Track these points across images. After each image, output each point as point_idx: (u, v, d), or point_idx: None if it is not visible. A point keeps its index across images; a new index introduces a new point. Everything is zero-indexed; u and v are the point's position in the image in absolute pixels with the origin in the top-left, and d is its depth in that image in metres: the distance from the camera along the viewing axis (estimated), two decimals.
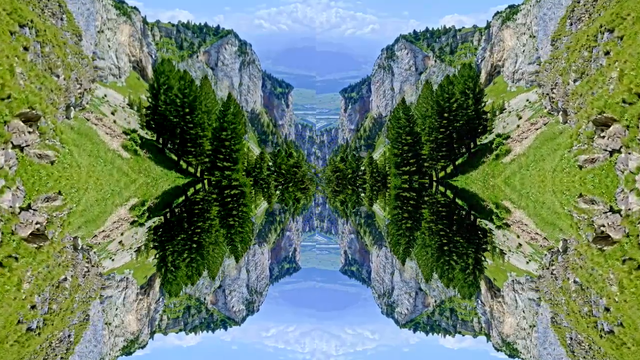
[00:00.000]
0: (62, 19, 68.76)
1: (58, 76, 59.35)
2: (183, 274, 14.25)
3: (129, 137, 77.18)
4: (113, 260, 15.36)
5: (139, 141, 77.95)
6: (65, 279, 12.48)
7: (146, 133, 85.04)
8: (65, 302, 10.58)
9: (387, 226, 28.62)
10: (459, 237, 21.14)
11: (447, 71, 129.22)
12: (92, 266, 14.30)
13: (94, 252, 16.03)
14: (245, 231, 24.66)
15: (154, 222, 24.88)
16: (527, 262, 15.68)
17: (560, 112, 66.66)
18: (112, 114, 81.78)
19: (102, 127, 73.27)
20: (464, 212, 34.18)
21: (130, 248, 17.68)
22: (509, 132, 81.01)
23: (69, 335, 9.06)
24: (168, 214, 30.28)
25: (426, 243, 20.46)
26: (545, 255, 16.88)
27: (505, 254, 17.12)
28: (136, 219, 26.27)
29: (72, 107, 66.62)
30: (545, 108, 75.46)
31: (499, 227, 24.03)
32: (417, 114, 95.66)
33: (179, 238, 19.99)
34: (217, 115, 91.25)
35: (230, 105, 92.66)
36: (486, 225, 25.67)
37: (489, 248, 18.81)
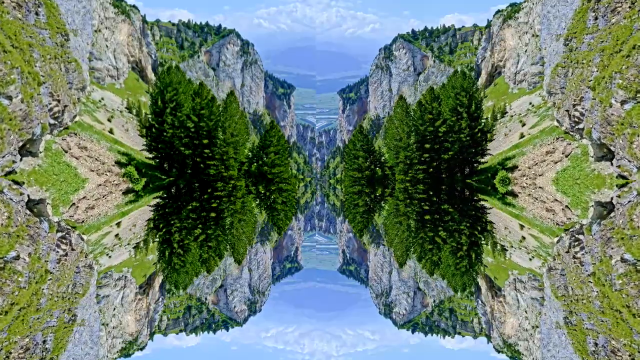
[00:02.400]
0: (37, 14, 54.86)
1: (10, 98, 41.16)
2: (194, 257, 13.35)
3: (123, 171, 58.31)
4: (110, 256, 14.92)
5: (137, 176, 57.97)
6: (18, 258, 11.23)
7: (147, 148, 68.22)
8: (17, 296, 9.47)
9: None
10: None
11: (447, 72, 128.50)
12: (72, 249, 13.45)
13: (76, 233, 14.97)
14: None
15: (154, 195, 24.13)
16: (530, 259, 15.29)
17: (593, 144, 44.89)
18: (109, 120, 75.03)
19: (85, 161, 55.83)
20: None
21: (128, 244, 17.14)
22: (515, 158, 63.04)
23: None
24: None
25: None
26: (561, 238, 15.70)
27: (507, 250, 16.67)
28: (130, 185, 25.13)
29: (38, 139, 46.73)
30: (561, 125, 58.18)
31: (502, 198, 23.21)
32: (389, 141, 74.87)
33: (189, 208, 19.10)
34: (254, 150, 76.42)
35: (274, 135, 76.78)
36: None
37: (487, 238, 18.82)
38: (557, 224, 18.59)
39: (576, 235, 16.09)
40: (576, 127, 52.62)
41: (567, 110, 56.49)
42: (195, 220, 17.54)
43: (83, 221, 17.91)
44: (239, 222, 19.63)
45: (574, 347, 8.18)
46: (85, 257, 14.00)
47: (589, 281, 11.05)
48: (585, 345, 7.92)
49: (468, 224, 18.18)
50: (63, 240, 15.42)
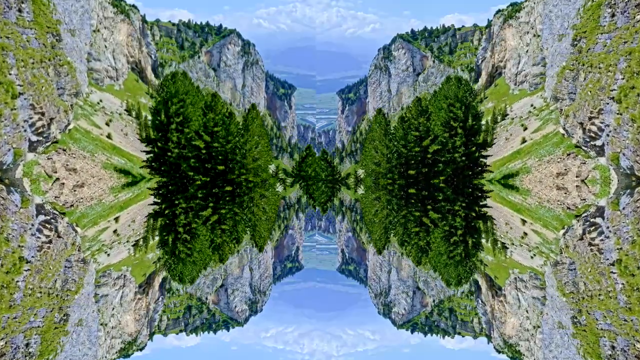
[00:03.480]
0: (20, 10, 47.08)
1: None
2: (203, 245, 12.95)
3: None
4: (108, 254, 14.70)
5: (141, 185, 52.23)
6: None
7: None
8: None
9: None
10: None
11: (447, 72, 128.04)
12: (59, 237, 12.98)
13: (65, 220, 14.55)
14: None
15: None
16: (532, 257, 15.09)
17: (621, 172, 33.98)
18: (107, 124, 71.34)
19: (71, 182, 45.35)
20: None
21: (127, 241, 16.85)
22: (519, 176, 55.03)
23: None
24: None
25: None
26: (568, 229, 15.01)
27: (508, 247, 16.49)
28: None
29: (10, 168, 35.33)
30: (570, 136, 49.51)
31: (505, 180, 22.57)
32: (367, 164, 61.60)
33: (198, 184, 18.00)
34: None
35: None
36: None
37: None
38: (568, 207, 17.96)
39: (592, 220, 15.51)
40: (591, 142, 43.96)
41: (581, 123, 47.17)
42: (204, 200, 16.82)
43: (72, 205, 17.40)
44: (260, 198, 19.11)
45: (583, 350, 7.41)
46: (79, 250, 13.63)
47: (612, 272, 10.29)
48: (597, 348, 7.09)
49: (464, 204, 17.56)
50: (47, 226, 14.74)
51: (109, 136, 66.22)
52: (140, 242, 17.41)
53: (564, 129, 53.52)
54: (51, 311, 8.67)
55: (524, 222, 21.04)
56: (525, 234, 18.69)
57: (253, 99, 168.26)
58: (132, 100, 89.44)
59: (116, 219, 20.18)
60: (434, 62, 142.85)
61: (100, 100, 78.50)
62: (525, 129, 68.60)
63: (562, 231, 16.72)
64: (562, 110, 55.43)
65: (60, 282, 10.43)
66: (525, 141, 67.45)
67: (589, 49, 48.06)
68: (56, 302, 9.25)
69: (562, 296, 10.35)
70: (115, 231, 18.47)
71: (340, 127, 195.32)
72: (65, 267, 12.28)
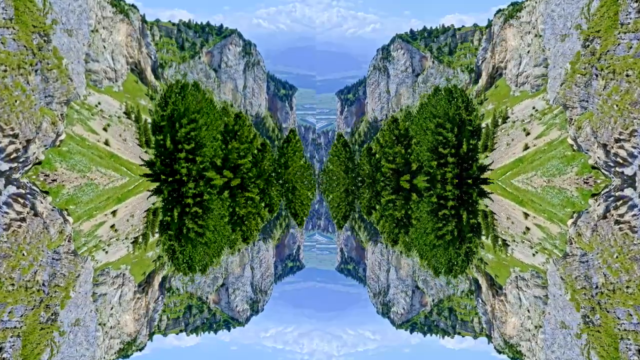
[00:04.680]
0: None
1: None
2: (217, 222, 12.59)
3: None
4: (107, 252, 14.49)
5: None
6: None
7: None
8: None
9: None
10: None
11: (446, 73, 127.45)
12: (35, 215, 12.32)
13: (48, 201, 14.23)
14: None
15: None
16: (534, 254, 14.93)
17: None
18: (105, 129, 68.71)
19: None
20: None
21: (126, 238, 16.59)
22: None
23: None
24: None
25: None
26: (580, 214, 14.21)
27: (509, 245, 16.32)
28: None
29: None
30: (584, 152, 42.36)
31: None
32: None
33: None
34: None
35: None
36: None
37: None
38: (585, 182, 17.07)
39: (617, 194, 14.62)
40: (616, 169, 36.62)
41: (605, 145, 39.65)
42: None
43: (55, 180, 16.90)
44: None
45: (598, 354, 6.55)
46: (69, 241, 13.29)
47: None
48: (614, 353, 6.17)
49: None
50: (19, 200, 13.86)
51: (106, 142, 63.85)
52: (140, 240, 17.28)
53: (574, 140, 45.71)
54: (32, 309, 8.01)
55: (526, 215, 20.78)
56: (528, 228, 18.51)
57: (254, 100, 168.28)
58: (132, 102, 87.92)
59: (113, 213, 19.98)
60: (433, 62, 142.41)
61: (99, 103, 76.55)
62: (528, 134, 65.65)
63: (570, 221, 16.37)
64: (571, 119, 47.87)
65: (44, 275, 9.80)
66: (528, 147, 64.29)
67: (607, 51, 40.71)
68: (38, 298, 8.63)
69: (572, 292, 9.82)
70: (112, 226, 18.27)
71: (339, 128, 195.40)
72: (54, 259, 11.87)
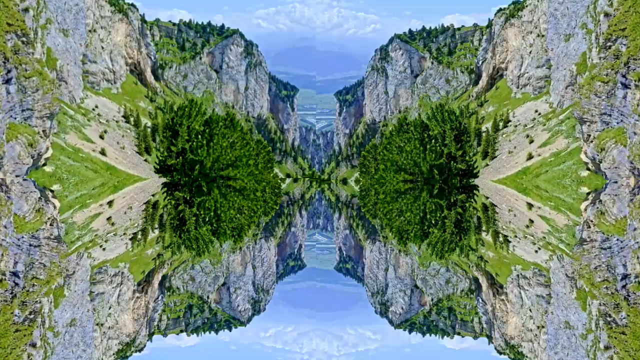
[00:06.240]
0: None
1: None
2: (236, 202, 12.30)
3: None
4: (104, 249, 14.18)
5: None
6: None
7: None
8: None
9: None
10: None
11: (445, 73, 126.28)
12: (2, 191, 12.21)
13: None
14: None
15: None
16: (536, 251, 14.59)
17: None
18: (101, 137, 64.97)
19: None
20: None
21: (124, 234, 16.18)
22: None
23: None
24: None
25: None
26: (602, 189, 13.16)
27: (510, 241, 16.03)
28: None
29: None
30: (605, 177, 35.36)
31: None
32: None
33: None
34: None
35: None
36: None
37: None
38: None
39: None
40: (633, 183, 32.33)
41: (606, 153, 34.24)
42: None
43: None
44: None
45: (618, 359, 5.74)
46: (51, 225, 12.83)
47: None
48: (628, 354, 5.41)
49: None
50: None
51: (102, 152, 60.05)
52: (139, 236, 17.06)
53: (593, 162, 37.65)
54: (7, 303, 6.97)
55: (530, 206, 20.26)
56: (532, 221, 18.15)
57: (256, 101, 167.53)
58: (131, 105, 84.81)
59: (109, 204, 19.50)
60: (432, 63, 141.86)
61: (96, 106, 73.26)
62: (532, 141, 61.31)
63: (584, 203, 15.68)
64: (589, 136, 39.72)
65: (15, 263, 8.64)
66: (532, 157, 59.03)
67: (634, 58, 33.00)
68: (10, 293, 7.67)
69: (590, 287, 8.98)
70: (109, 219, 17.92)
71: (338, 129, 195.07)
72: (31, 245, 11.10)
